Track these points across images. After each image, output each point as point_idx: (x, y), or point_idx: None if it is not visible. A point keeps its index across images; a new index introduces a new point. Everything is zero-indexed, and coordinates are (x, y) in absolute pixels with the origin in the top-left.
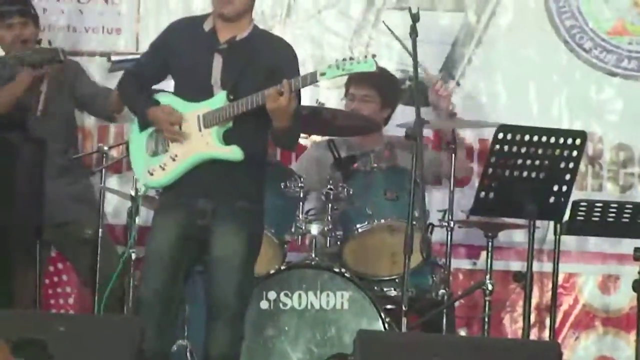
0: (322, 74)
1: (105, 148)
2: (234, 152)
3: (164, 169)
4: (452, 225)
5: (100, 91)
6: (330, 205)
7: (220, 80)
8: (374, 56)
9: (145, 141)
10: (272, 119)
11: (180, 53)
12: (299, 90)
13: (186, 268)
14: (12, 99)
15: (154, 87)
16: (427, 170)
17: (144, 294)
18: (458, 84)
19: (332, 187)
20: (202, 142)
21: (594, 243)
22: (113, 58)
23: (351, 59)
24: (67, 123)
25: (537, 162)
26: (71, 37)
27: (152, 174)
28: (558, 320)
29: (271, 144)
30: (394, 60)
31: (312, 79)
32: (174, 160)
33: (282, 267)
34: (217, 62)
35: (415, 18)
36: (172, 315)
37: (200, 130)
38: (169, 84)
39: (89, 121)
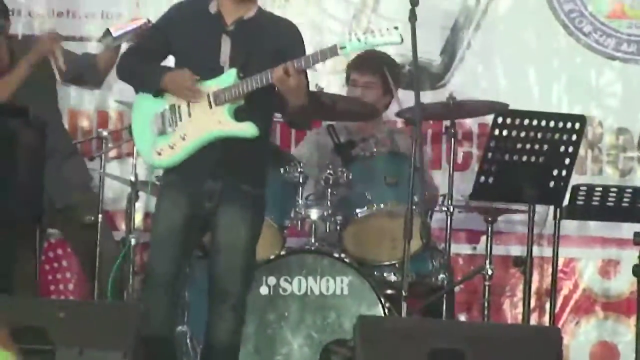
0: (342, 48)
1: (105, 133)
2: (249, 129)
3: (173, 148)
4: (451, 210)
5: (83, 60)
6: (329, 190)
7: (229, 60)
8: (396, 28)
9: (151, 121)
10: (287, 98)
11: (186, 35)
12: (306, 71)
13: (192, 249)
14: (18, 85)
15: None
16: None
17: (153, 276)
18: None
19: (331, 172)
20: (214, 120)
21: (594, 227)
22: (113, 33)
23: (372, 31)
24: (53, 106)
25: (537, 147)
26: (70, 23)
27: (160, 154)
28: (558, 305)
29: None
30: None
31: (332, 53)
32: (183, 139)
33: (282, 253)
34: (226, 43)
35: (414, 2)
36: (178, 297)
37: (211, 107)
38: None
39: (89, 106)
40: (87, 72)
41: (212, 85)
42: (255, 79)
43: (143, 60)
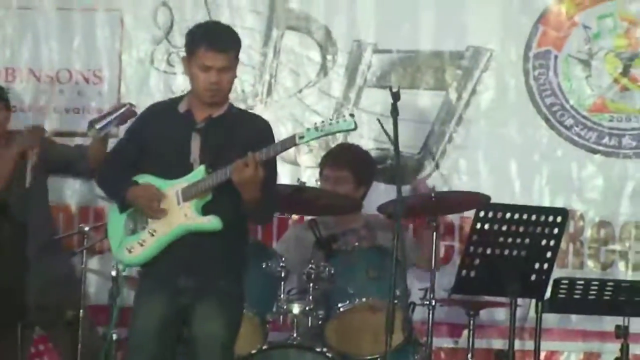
0: (301, 138)
1: (86, 229)
2: (212, 222)
3: (142, 245)
4: (433, 303)
5: (74, 151)
6: (311, 284)
7: (199, 158)
8: (352, 115)
9: (124, 221)
10: (240, 191)
11: (158, 136)
12: (275, 162)
13: (172, 345)
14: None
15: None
16: (408, 253)
17: None
18: (437, 165)
19: (313, 266)
20: (181, 215)
21: (576, 320)
22: (97, 125)
23: (330, 119)
24: (43, 200)
25: (519, 240)
26: (52, 117)
27: (130, 252)
28: None
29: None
30: (374, 139)
31: (290, 143)
32: (152, 235)
33: (264, 347)
34: (195, 140)
35: (396, 97)
36: None
37: (179, 204)
38: None
39: (70, 202)
40: (78, 164)
41: (182, 183)
42: (219, 173)
43: (118, 169)
